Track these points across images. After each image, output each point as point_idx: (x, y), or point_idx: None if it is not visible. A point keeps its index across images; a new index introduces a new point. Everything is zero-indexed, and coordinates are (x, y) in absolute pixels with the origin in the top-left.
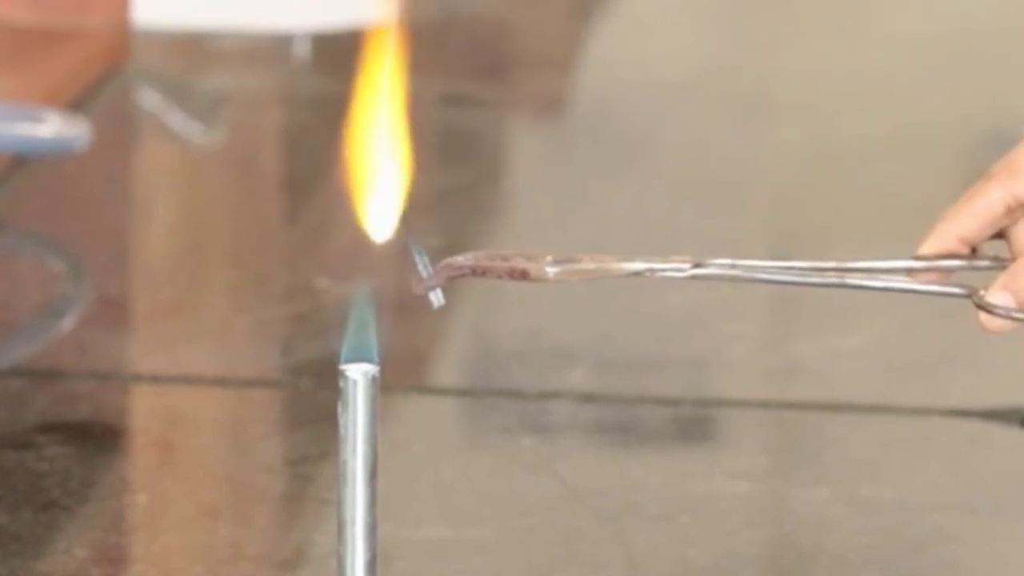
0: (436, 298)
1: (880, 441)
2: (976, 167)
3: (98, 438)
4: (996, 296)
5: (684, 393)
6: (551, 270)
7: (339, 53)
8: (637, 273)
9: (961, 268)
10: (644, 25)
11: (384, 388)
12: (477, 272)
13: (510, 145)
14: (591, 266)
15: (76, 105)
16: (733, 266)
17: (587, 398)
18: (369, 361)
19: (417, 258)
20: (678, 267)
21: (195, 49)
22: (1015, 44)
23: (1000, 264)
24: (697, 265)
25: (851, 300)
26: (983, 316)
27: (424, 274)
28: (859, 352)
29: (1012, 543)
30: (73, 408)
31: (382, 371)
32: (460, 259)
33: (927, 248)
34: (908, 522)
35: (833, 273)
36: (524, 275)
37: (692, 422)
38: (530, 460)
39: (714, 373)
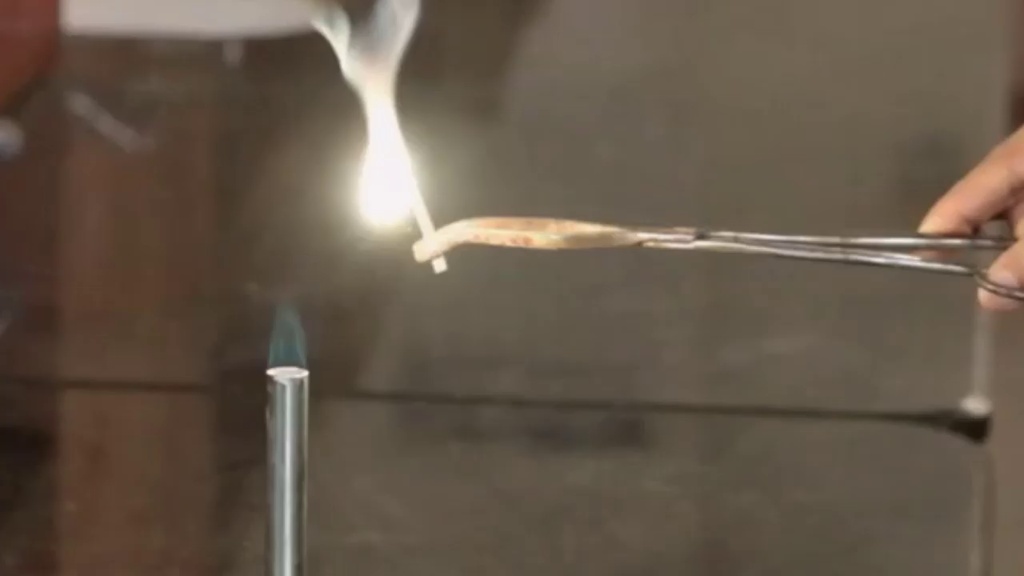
0: (438, 264)
1: (811, 445)
2: (908, 170)
3: (27, 444)
4: (998, 275)
5: (615, 397)
6: (554, 238)
7: (271, 57)
8: (640, 243)
9: (964, 247)
10: (578, 29)
11: (313, 393)
12: (479, 239)
13: (443, 151)
14: (595, 234)
15: (6, 111)
16: (736, 238)
17: (517, 402)
18: (297, 366)
19: (420, 223)
20: (682, 237)
21: (126, 53)
22: (949, 48)
23: (1002, 244)
24: (701, 236)
25: (782, 305)
26: (984, 295)
27: (426, 240)
28: (790, 357)
29: (944, 547)
30: (2, 414)
31: (311, 376)
32: (462, 226)
33: (930, 226)
34: (839, 526)
35: (838, 248)
36: (527, 242)
37: (623, 426)
38: (460, 465)
39: (645, 377)
